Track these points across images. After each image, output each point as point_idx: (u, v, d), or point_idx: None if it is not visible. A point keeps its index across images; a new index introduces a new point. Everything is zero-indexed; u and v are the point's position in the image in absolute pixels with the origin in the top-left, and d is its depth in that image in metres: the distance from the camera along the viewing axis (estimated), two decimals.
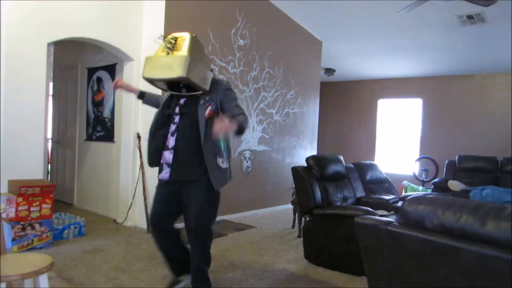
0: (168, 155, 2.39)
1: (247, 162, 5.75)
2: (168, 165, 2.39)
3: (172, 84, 2.39)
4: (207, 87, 2.37)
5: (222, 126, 2.10)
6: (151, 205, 2.59)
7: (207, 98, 2.40)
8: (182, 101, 2.44)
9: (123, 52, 4.53)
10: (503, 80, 7.86)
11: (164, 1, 4.43)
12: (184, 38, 2.29)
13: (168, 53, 2.28)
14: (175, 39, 2.31)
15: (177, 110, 2.43)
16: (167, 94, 2.55)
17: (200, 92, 2.37)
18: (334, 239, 3.37)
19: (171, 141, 2.39)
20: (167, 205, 2.51)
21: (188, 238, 2.49)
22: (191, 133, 2.37)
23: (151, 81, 2.36)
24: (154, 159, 2.47)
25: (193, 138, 2.36)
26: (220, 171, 2.40)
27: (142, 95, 2.74)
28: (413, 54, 7.48)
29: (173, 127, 2.41)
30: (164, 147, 2.41)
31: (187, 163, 2.38)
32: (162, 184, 2.51)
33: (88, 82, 5.50)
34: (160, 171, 2.45)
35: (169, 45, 2.28)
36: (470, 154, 6.93)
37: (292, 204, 4.90)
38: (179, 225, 2.64)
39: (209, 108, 2.40)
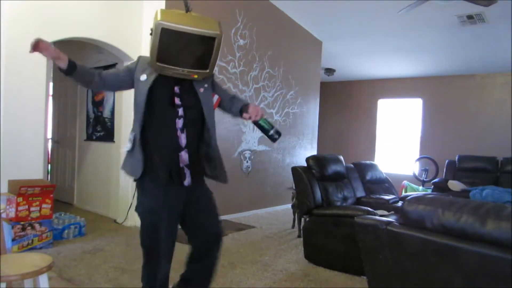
0: (184, 156, 1.97)
1: (247, 162, 5.75)
2: (188, 167, 1.99)
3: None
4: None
5: (257, 111, 2.02)
6: (156, 236, 1.98)
7: (206, 86, 2.05)
8: (177, 89, 1.99)
9: (123, 52, 4.53)
10: (503, 80, 7.86)
11: (164, 1, 4.43)
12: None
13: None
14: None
15: (178, 101, 1.97)
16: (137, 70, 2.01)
17: (206, 72, 1.97)
18: (334, 239, 3.37)
19: (182, 139, 1.96)
20: (175, 231, 2.06)
21: (202, 250, 2.13)
22: (198, 128, 2.04)
23: (170, 34, 1.81)
24: (172, 162, 1.95)
25: (199, 133, 2.04)
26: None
27: (72, 67, 1.87)
28: (413, 54, 7.48)
29: (180, 122, 1.96)
30: (179, 148, 1.97)
31: (200, 163, 2.05)
32: (174, 193, 1.97)
33: None
34: (182, 177, 1.97)
35: (186, 8, 1.90)
36: (470, 154, 6.93)
37: (292, 208, 4.90)
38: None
39: (216, 97, 2.10)
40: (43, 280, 1.88)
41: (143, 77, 1.98)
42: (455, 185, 5.74)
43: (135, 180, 2.02)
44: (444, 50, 7.09)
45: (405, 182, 6.90)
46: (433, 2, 4.47)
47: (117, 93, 5.02)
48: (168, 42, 1.84)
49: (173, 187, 1.96)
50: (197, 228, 2.10)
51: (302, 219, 4.35)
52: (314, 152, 7.33)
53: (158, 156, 1.95)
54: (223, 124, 5.18)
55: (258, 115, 2.02)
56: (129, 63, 2.12)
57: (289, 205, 5.26)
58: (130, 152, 2.00)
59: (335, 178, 4.04)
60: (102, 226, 4.56)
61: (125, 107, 4.81)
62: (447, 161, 6.94)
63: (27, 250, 3.46)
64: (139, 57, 2.07)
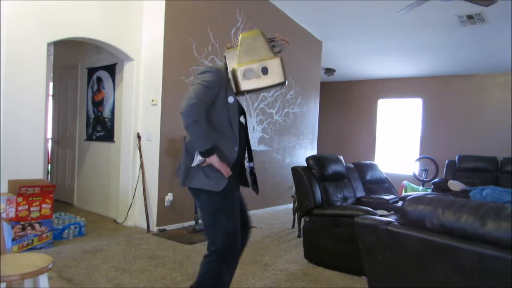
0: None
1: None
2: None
3: None
4: None
5: None
6: (232, 220, 2.30)
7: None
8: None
9: (123, 52, 4.53)
10: (503, 80, 7.85)
11: (164, 1, 4.43)
12: None
13: None
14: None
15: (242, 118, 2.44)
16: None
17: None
18: (334, 239, 3.37)
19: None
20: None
21: (245, 232, 2.52)
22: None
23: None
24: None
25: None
26: None
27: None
28: (413, 54, 7.48)
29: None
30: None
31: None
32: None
33: (88, 82, 5.50)
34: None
35: None
36: (470, 154, 6.93)
37: (294, 212, 4.89)
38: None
39: None
40: (43, 280, 1.88)
41: (231, 99, 2.11)
42: (455, 185, 5.74)
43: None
44: (444, 50, 7.09)
45: (405, 182, 6.90)
46: (433, 2, 4.46)
47: (117, 93, 5.02)
48: None
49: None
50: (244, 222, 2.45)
51: (302, 219, 4.35)
52: (314, 152, 7.32)
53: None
54: None
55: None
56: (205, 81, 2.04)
57: (289, 205, 5.26)
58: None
59: (335, 178, 4.04)
60: (102, 226, 4.56)
61: (124, 107, 4.81)
62: (447, 161, 6.93)
63: (27, 250, 3.46)
64: (218, 74, 2.09)
